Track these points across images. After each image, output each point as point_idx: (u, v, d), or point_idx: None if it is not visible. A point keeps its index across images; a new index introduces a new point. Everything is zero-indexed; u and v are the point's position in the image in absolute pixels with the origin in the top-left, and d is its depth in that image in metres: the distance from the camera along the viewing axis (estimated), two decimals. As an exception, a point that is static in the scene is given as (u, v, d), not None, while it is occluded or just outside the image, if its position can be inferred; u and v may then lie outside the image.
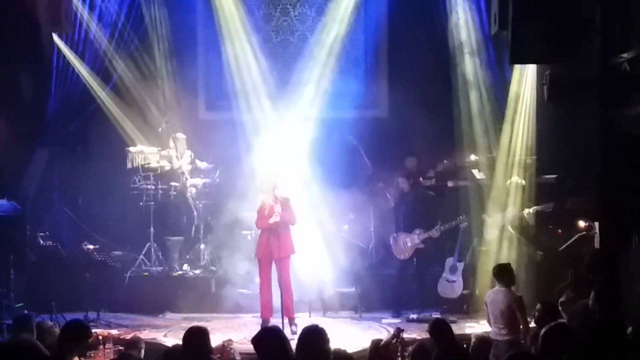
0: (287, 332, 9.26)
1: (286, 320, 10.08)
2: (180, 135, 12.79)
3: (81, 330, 6.74)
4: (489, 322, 9.03)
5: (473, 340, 7.60)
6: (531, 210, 11.04)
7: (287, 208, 10.27)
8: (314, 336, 5.85)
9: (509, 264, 9.34)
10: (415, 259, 11.53)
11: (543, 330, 5.92)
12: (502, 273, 8.98)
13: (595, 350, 6.16)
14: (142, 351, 7.56)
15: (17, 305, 11.14)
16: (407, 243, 11.47)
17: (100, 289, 11.29)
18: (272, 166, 10.92)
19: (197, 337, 6.34)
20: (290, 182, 11.28)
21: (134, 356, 7.20)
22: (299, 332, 6.42)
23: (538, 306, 8.15)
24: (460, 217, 11.46)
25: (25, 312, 10.19)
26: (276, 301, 10.26)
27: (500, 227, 11.24)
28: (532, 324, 8.55)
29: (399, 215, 11.78)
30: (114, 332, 9.96)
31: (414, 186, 11.78)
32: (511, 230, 11.11)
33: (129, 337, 8.19)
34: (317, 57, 12.91)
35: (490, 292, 9.15)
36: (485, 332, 8.80)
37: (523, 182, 11.32)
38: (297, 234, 10.74)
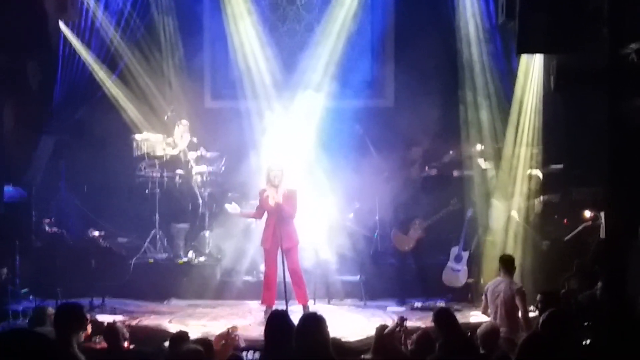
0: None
1: (300, 307, 10.12)
2: (184, 122, 12.79)
3: (73, 312, 6.67)
4: (484, 312, 9.12)
5: (481, 329, 7.60)
6: (539, 199, 11.03)
7: (290, 200, 10.25)
8: (312, 324, 5.85)
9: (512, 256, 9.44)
10: (419, 248, 11.54)
11: (542, 317, 5.94)
12: (510, 263, 9.07)
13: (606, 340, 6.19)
14: (125, 334, 7.48)
15: (22, 291, 11.20)
16: (409, 235, 11.50)
17: (106, 276, 11.33)
18: (279, 159, 10.87)
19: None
20: (297, 171, 11.30)
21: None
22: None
23: (539, 297, 8.17)
24: (453, 201, 11.50)
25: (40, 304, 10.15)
26: (280, 289, 10.27)
27: (507, 216, 11.24)
28: (535, 313, 8.59)
29: (403, 202, 11.79)
30: (119, 318, 10.01)
31: (419, 174, 11.83)
32: (517, 219, 11.11)
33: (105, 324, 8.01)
34: (323, 47, 12.91)
35: (490, 283, 9.24)
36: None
37: (540, 174, 11.30)
38: (303, 222, 10.75)
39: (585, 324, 7.42)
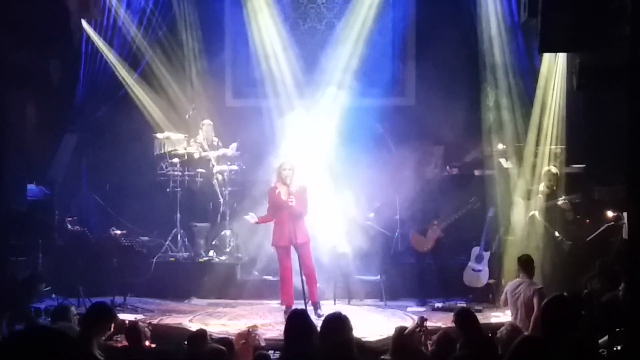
0: (313, 316, 9.25)
1: (311, 305, 10.10)
2: (208, 122, 12.83)
3: (104, 312, 6.74)
4: (504, 304, 9.21)
5: (504, 330, 7.54)
6: (562, 199, 10.95)
7: (301, 197, 10.23)
8: (336, 324, 5.85)
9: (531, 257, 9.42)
10: (439, 248, 11.50)
11: (544, 302, 5.81)
12: (529, 263, 9.06)
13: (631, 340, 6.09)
14: (147, 334, 7.52)
15: (44, 289, 11.25)
16: (427, 235, 11.45)
17: (127, 274, 11.38)
18: (290, 157, 10.84)
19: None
20: (318, 169, 11.28)
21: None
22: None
23: None
24: (472, 199, 11.45)
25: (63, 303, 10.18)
26: (297, 287, 10.27)
27: (528, 216, 11.17)
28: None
29: (424, 202, 11.75)
30: (140, 316, 10.06)
31: (439, 174, 11.79)
32: (539, 219, 11.04)
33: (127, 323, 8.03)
34: (344, 45, 12.89)
35: (510, 284, 9.22)
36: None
37: (556, 170, 11.22)
38: (323, 221, 10.72)
39: (617, 329, 7.33)
